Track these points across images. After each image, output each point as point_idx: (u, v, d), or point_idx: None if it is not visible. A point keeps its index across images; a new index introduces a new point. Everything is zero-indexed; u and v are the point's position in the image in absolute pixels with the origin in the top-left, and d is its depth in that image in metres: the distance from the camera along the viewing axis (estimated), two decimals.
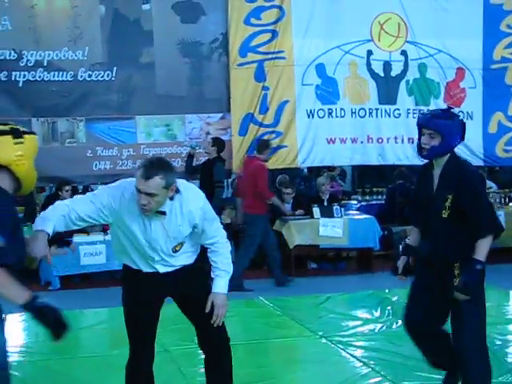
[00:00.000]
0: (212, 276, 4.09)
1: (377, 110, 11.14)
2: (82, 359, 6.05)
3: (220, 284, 4.06)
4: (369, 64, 11.08)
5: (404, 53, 11.19)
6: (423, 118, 4.26)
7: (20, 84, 10.06)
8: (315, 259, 10.69)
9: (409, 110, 11.26)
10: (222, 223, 4.25)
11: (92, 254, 9.34)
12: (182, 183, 3.89)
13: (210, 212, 4.00)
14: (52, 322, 3.10)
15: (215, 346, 4.10)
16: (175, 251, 3.96)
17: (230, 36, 10.71)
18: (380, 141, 11.20)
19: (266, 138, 10.77)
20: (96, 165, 10.24)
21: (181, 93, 10.78)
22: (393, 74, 11.19)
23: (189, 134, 10.79)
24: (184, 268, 4.04)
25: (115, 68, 10.37)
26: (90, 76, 10.29)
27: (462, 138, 4.20)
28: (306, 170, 13.41)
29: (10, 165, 3.22)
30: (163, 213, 3.80)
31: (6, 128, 3.25)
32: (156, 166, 3.70)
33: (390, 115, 11.20)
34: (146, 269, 3.99)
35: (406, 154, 11.27)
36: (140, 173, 3.68)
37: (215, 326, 4.00)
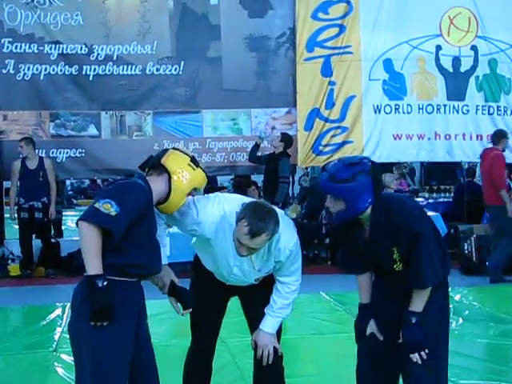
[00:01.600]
0: (264, 312, 3.89)
1: (445, 106, 10.97)
2: None
3: (268, 323, 3.87)
4: (437, 59, 10.92)
5: (474, 48, 10.99)
6: (322, 178, 3.58)
7: (90, 78, 10.29)
8: None
9: (478, 106, 11.05)
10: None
11: None
12: (280, 219, 3.61)
13: (297, 253, 3.79)
14: (98, 307, 3.14)
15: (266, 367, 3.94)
16: (256, 280, 3.90)
17: (297, 31, 10.71)
18: (447, 137, 11.02)
19: (331, 133, 10.74)
20: None
21: (247, 87, 10.83)
22: (462, 69, 10.99)
23: (254, 129, 10.83)
24: None
25: (183, 62, 10.51)
26: (157, 70, 10.45)
27: (378, 192, 3.51)
28: None
29: (174, 173, 3.48)
30: None
31: (189, 153, 3.63)
32: (263, 220, 3.45)
33: (458, 111, 11.01)
34: (216, 275, 3.96)
35: (474, 151, 11.06)
36: (244, 228, 3.45)
37: (264, 364, 3.86)
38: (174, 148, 3.65)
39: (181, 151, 3.60)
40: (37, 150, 9.94)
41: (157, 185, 3.45)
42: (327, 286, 8.73)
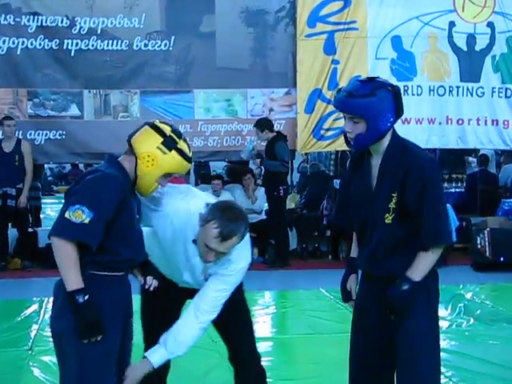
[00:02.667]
0: (160, 340, 3.58)
1: (458, 87, 10.95)
2: None
3: (157, 354, 3.55)
4: (450, 37, 10.88)
5: (490, 25, 10.93)
6: (338, 97, 3.45)
7: (72, 53, 10.26)
8: None
9: (494, 88, 11.02)
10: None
11: None
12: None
13: (237, 276, 3.69)
14: (84, 324, 3.15)
15: (243, 362, 3.97)
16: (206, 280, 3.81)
17: (297, 4, 10.67)
18: (460, 122, 11.00)
19: (334, 116, 10.72)
20: None
21: (243, 65, 10.82)
22: (477, 48, 10.96)
23: (251, 111, 10.81)
24: None
25: (173, 37, 10.47)
26: (145, 45, 10.42)
27: (398, 114, 3.40)
28: None
29: (138, 158, 3.34)
30: None
31: (166, 131, 3.39)
32: (234, 222, 3.43)
33: (472, 94, 10.99)
34: (168, 275, 3.86)
35: (489, 138, 11.08)
36: (214, 231, 3.40)
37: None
38: (150, 124, 3.43)
39: (156, 129, 3.38)
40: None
41: (127, 165, 3.37)
42: (328, 281, 8.69)
